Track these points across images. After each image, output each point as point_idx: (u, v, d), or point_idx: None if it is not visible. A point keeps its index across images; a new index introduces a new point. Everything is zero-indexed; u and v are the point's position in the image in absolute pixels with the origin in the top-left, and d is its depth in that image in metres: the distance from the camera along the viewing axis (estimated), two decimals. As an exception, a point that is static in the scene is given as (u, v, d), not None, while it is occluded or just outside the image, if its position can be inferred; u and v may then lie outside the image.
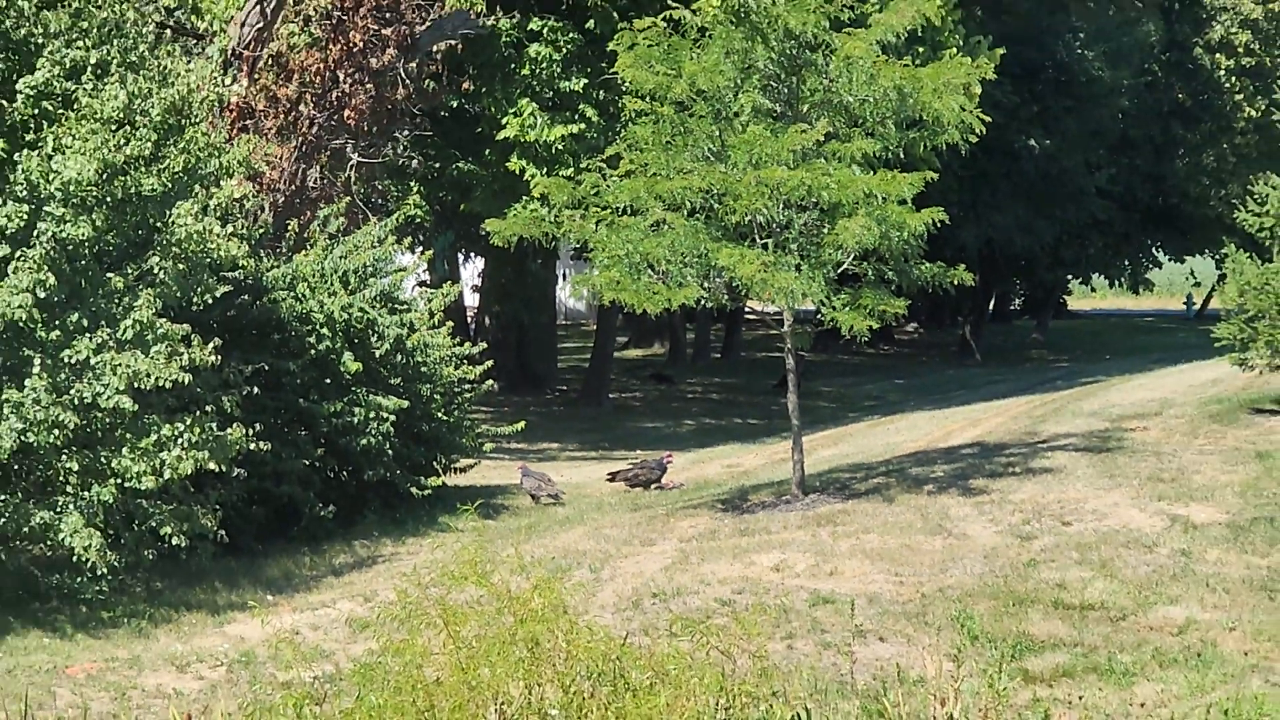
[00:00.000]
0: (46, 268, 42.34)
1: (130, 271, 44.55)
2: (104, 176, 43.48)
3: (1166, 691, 35.63)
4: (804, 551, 43.15)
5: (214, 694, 37.04)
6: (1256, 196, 54.32)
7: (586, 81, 58.09)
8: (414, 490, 52.32)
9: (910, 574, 41.54)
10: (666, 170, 46.27)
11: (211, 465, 44.33)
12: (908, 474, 49.58)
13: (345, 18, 55.94)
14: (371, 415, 50.22)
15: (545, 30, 59.91)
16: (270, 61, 55.53)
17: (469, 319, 68.68)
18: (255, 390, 47.12)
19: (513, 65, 60.10)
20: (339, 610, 41.68)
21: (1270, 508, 44.42)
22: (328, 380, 50.25)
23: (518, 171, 56.70)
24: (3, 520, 43.29)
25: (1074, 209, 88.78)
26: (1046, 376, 73.11)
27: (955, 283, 49.50)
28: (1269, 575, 40.69)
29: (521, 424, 58.12)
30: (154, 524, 43.75)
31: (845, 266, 45.84)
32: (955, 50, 49.24)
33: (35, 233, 42.98)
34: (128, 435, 43.49)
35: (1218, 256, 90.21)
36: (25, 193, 43.38)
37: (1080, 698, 35.25)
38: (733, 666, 30.76)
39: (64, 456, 43.24)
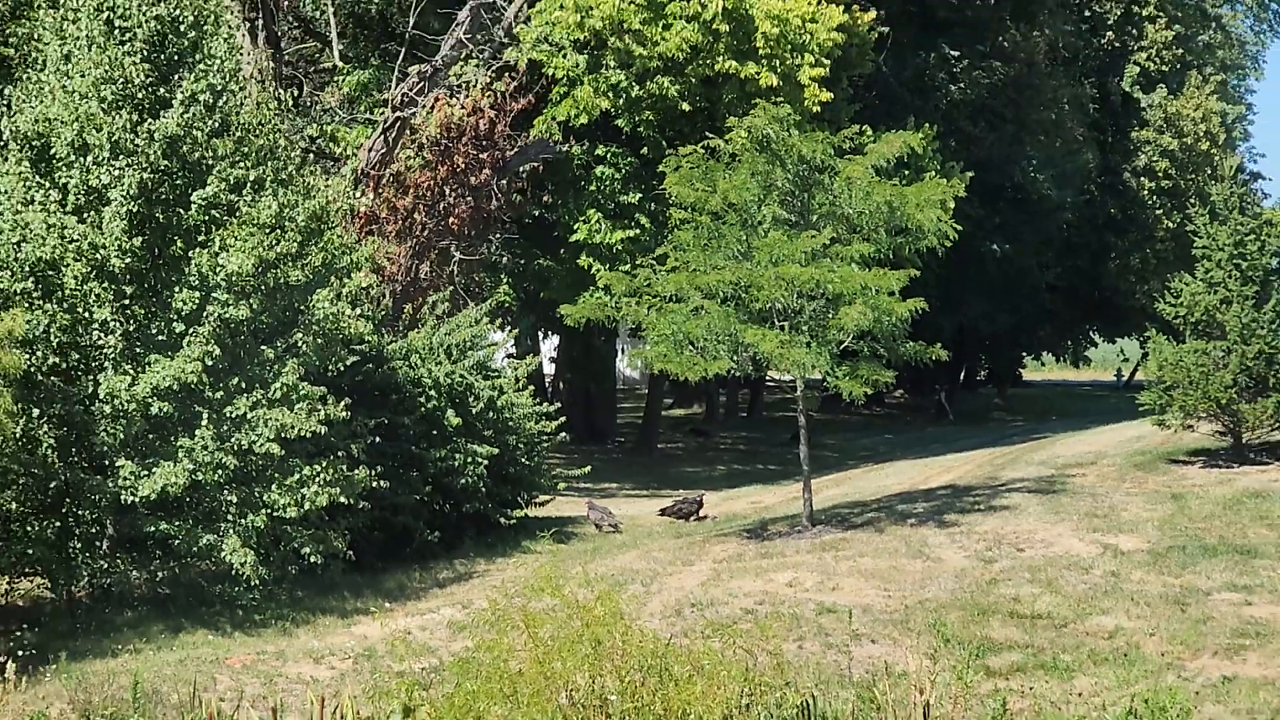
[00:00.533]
0: (213, 341, 42.88)
1: (279, 345, 44.93)
2: (259, 270, 43.88)
3: (1099, 684, 35.76)
4: (812, 571, 43.32)
5: (343, 681, 37.29)
6: (1172, 291, 54.37)
7: (641, 195, 58.13)
8: (502, 520, 52.45)
9: (896, 589, 41.75)
10: (704, 267, 46.43)
11: (342, 499, 44.81)
12: (895, 510, 49.67)
13: (451, 145, 56.05)
14: (469, 460, 50.47)
15: (608, 155, 59.86)
16: (391, 179, 55.73)
17: (546, 384, 68.49)
18: (377, 439, 47.42)
19: (582, 182, 60.06)
20: (442, 615, 41.95)
21: (1183, 538, 44.54)
22: (434, 432, 50.41)
23: (586, 267, 56.67)
24: (177, 541, 43.94)
25: (1028, 301, 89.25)
26: (1005, 433, 72.83)
27: (933, 358, 49.83)
28: (1181, 592, 40.77)
29: (587, 468, 58.22)
30: (296, 545, 44.35)
31: (846, 344, 45.99)
32: (934, 173, 49.34)
33: (205, 314, 43.41)
34: (276, 475, 43.94)
35: (1142, 338, 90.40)
36: (197, 282, 43.77)
37: (1030, 688, 35.51)
38: (754, 662, 31.07)
39: (225, 491, 43.66)
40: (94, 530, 45.17)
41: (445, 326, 51.88)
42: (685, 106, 57.31)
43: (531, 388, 56.96)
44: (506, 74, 59.58)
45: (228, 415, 43.85)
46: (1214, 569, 42.60)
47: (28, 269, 43.73)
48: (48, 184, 45.03)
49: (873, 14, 59.87)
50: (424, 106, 58.02)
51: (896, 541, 45.73)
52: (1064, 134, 78.75)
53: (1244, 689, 35.36)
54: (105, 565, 45.45)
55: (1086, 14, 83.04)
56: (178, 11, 46.73)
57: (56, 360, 43.52)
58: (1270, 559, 42.92)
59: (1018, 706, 34.01)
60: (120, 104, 45.03)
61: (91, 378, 43.77)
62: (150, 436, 43.74)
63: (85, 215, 44.34)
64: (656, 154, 56.09)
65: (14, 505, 42.35)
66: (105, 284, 44.07)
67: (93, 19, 46.53)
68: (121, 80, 45.31)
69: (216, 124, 45.93)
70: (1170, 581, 41.71)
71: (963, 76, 71.38)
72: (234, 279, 43.84)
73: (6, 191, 45.01)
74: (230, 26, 54.56)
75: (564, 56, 58.40)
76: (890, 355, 47.12)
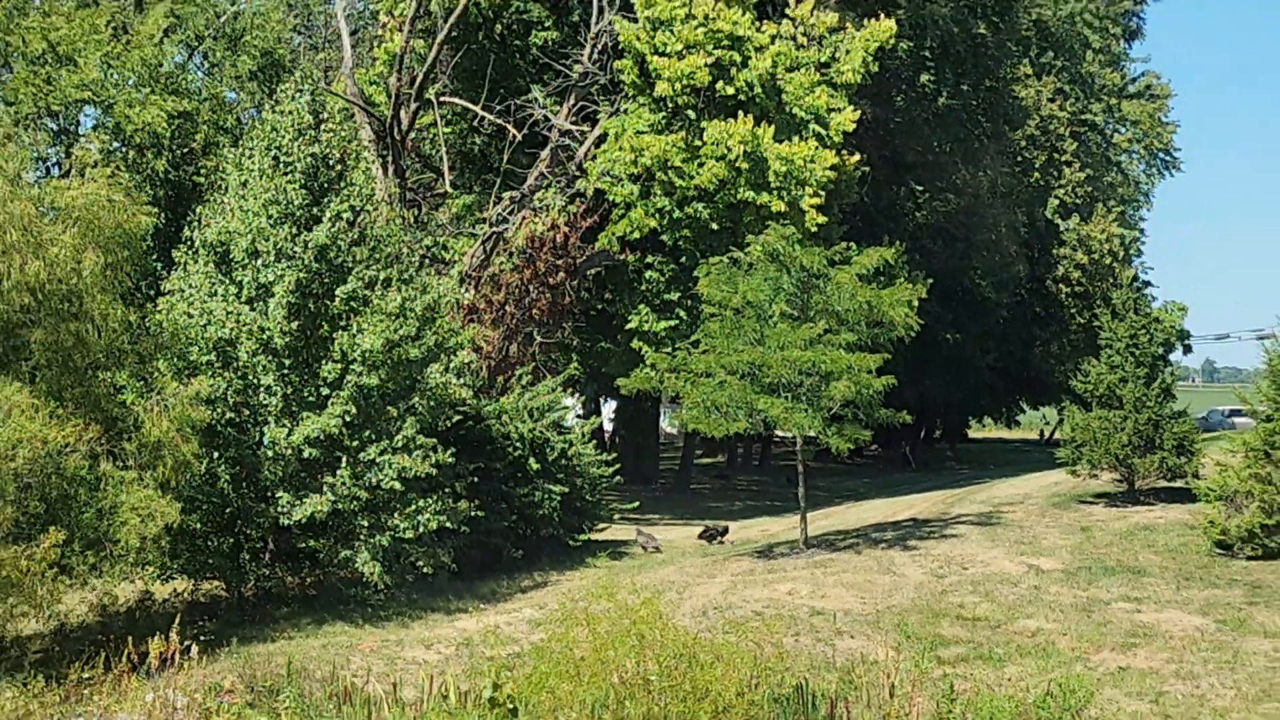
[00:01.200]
0: (351, 403, 43.21)
1: (401, 405, 45.05)
2: (386, 348, 44.12)
3: (1024, 671, 35.72)
4: (805, 583, 43.37)
5: (447, 663, 37.45)
6: (1082, 372, 54.66)
7: (680, 294, 58.12)
8: (570, 542, 52.27)
9: (869, 597, 41.82)
10: (727, 350, 46.49)
11: (447, 524, 44.95)
12: (869, 537, 49.77)
13: (534, 253, 56.12)
14: (545, 496, 50.52)
15: (655, 263, 59.80)
16: (487, 280, 55.90)
17: (605, 438, 68.41)
18: (475, 479, 47.47)
19: (635, 283, 59.99)
20: (523, 614, 42.20)
21: (1089, 561, 44.63)
22: (519, 474, 50.34)
23: (637, 349, 56.69)
24: (321, 554, 44.63)
25: (972, 377, 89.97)
26: (954, 479, 72.88)
27: (900, 421, 49.89)
28: (1087, 601, 40.74)
29: (636, 503, 58.18)
30: (412, 559, 44.48)
31: (834, 410, 45.99)
32: (902, 279, 49.28)
33: (345, 381, 43.70)
34: (398, 505, 44.11)
35: (1059, 407, 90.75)
36: (339, 357, 44.02)
37: (971, 674, 35.50)
38: (760, 652, 30.92)
39: (359, 517, 43.84)
40: (258, 545, 45.89)
41: (528, 394, 52.00)
42: (714, 226, 57.34)
43: (594, 441, 56.84)
44: (578, 199, 59.71)
45: (361, 459, 44.15)
46: (1112, 584, 42.60)
47: (211, 345, 44.26)
48: (227, 281, 45.65)
49: (857, 157, 59.82)
50: (514, 224, 58.20)
51: (870, 561, 45.86)
52: (1001, 250, 78.84)
53: (1134, 677, 35.38)
54: (266, 572, 46.12)
55: (1019, 159, 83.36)
56: (327, 150, 47.23)
57: (232, 415, 43.95)
58: (1155, 577, 42.94)
59: (961, 688, 33.96)
60: (282, 220, 45.46)
61: (258, 429, 44.18)
62: (302, 474, 44.00)
63: (255, 305, 44.74)
64: (692, 262, 56.10)
65: (199, 525, 42.63)
66: (269, 357, 44.50)
67: (263, 155, 47.03)
68: (284, 202, 45.73)
69: (355, 236, 46.41)
70: (1079, 594, 41.78)
71: (925, 206, 71.85)
72: (367, 355, 44.19)
73: (196, 287, 45.75)
74: (367, 161, 54.88)
75: (622, 186, 58.37)
76: (868, 418, 47.22)
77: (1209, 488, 47.77)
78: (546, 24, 65.40)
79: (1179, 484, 51.26)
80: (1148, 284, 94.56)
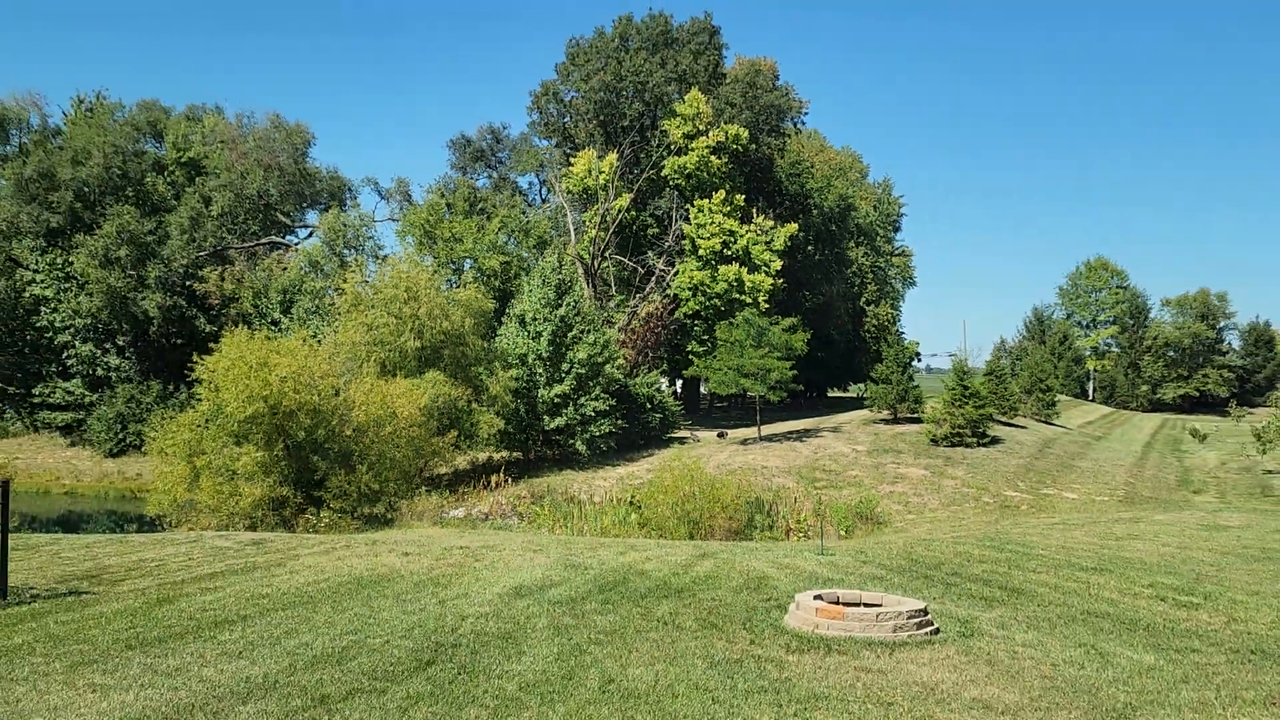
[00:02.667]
0: (573, 380, 42.78)
1: (593, 381, 44.67)
2: (588, 358, 43.74)
3: (849, 494, 34.85)
4: (759, 455, 42.52)
5: (612, 487, 36.88)
6: (875, 369, 54.20)
7: (708, 337, 57.23)
8: (662, 437, 50.41)
9: (786, 461, 40.88)
10: (728, 360, 45.93)
11: (612, 430, 44.48)
12: (786, 436, 48.63)
13: (649, 319, 55.82)
14: (651, 418, 49.66)
15: (696, 324, 59.14)
16: (629, 330, 55.28)
17: (676, 395, 66.75)
18: (620, 412, 46.55)
19: (690, 332, 59.48)
20: (643, 467, 41.28)
21: (878, 446, 43.61)
22: (643, 408, 49.48)
23: (691, 359, 55.99)
24: (561, 441, 43.88)
25: (828, 370, 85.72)
26: (820, 413, 71.94)
27: (797, 389, 49.30)
28: (876, 463, 40.08)
29: (690, 422, 57.36)
30: (598, 444, 43.98)
31: (771, 384, 45.29)
32: (800, 330, 48.38)
33: (570, 371, 43.29)
34: (592, 421, 43.66)
35: (865, 383, 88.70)
36: (569, 361, 43.68)
37: (828, 494, 34.60)
38: (739, 483, 30.52)
39: (576, 426, 43.41)
40: (536, 436, 44.90)
41: (646, 376, 51.19)
42: (722, 309, 56.52)
43: (672, 395, 56.69)
44: (666, 298, 59.14)
45: (578, 403, 43.95)
46: (886, 456, 41.71)
47: (516, 356, 44.18)
48: (523, 329, 45.44)
49: (781, 280, 59.16)
50: (640, 308, 57.62)
51: (786, 446, 44.88)
52: (840, 318, 77.12)
53: (895, 496, 34.73)
54: (539, 448, 45.46)
55: (849, 281, 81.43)
56: (563, 277, 47.02)
57: (525, 384, 43.66)
58: (906, 453, 42.08)
59: (824, 499, 33.53)
60: (546, 306, 45.35)
61: (535, 389, 43.91)
62: (553, 408, 43.71)
63: (534, 339, 44.61)
64: (714, 323, 55.51)
65: (510, 428, 42.42)
66: (539, 361, 44.36)
67: (537, 280, 46.92)
68: (544, 299, 45.64)
69: (574, 312, 46.00)
70: (873, 460, 40.74)
71: (809, 299, 70.25)
72: (577, 361, 44.03)
73: (510, 332, 45.65)
74: (580, 282, 54.80)
75: (685, 291, 57.98)
76: (785, 387, 46.45)
77: (930, 416, 47.30)
78: (653, 225, 65.21)
79: (916, 415, 50.52)
80: (901, 333, 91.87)
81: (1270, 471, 42.47)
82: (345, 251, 61.85)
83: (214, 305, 60.94)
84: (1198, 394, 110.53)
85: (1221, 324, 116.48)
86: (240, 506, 27.20)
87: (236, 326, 37.92)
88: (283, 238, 70.71)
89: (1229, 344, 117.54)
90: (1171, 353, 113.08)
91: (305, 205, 73.41)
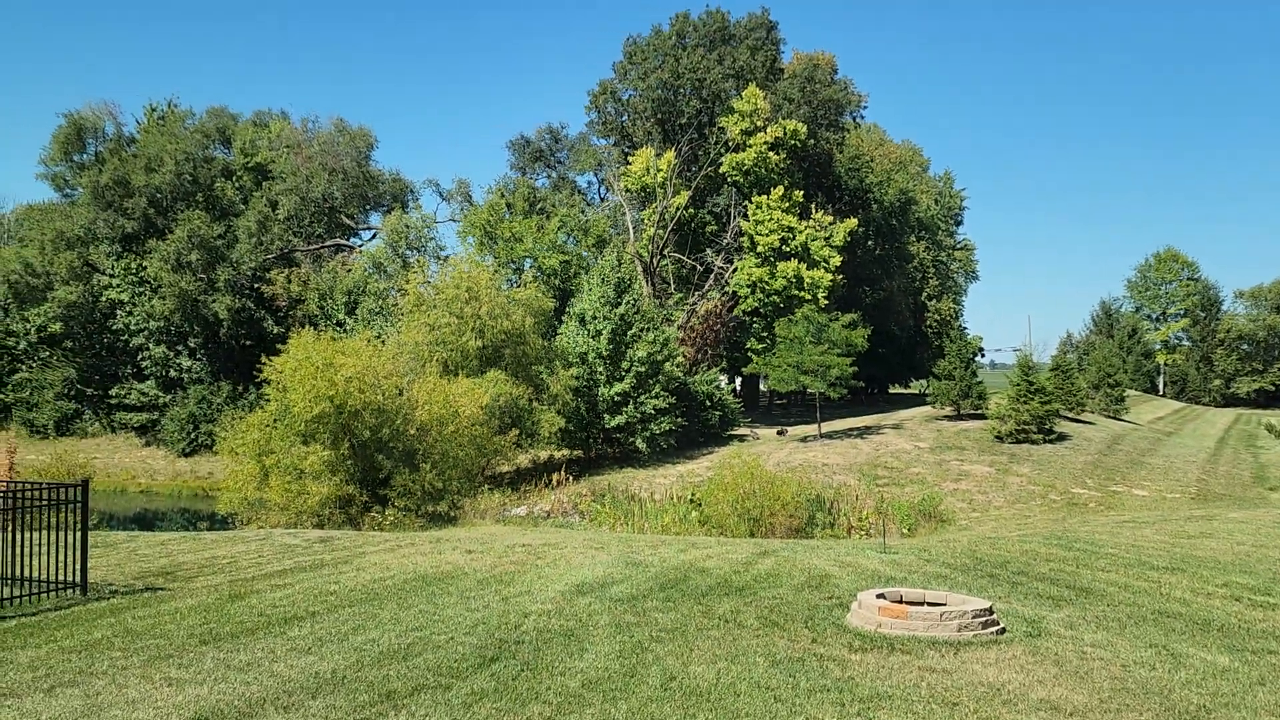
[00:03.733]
0: (633, 378, 42.86)
1: (653, 379, 44.69)
2: (648, 356, 43.79)
3: (912, 491, 34.50)
4: (819, 452, 42.34)
5: (672, 484, 36.90)
6: (938, 365, 53.52)
7: (767, 334, 56.76)
8: (722, 435, 50.31)
9: (846, 459, 40.65)
10: (787, 356, 45.80)
11: (671, 428, 44.44)
12: (846, 433, 48.32)
13: (709, 317, 55.68)
14: (710, 415, 49.58)
15: (755, 320, 58.81)
16: (689, 328, 55.12)
17: (736, 392, 66.37)
18: (680, 409, 46.42)
19: (749, 328, 59.18)
20: (704, 464, 41.25)
21: (941, 443, 43.14)
22: (703, 406, 49.46)
23: (751, 356, 55.65)
24: (622, 439, 43.83)
25: (889, 366, 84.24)
26: (881, 409, 71.00)
27: (858, 385, 49.07)
28: (939, 460, 39.60)
29: (750, 419, 57.09)
30: (659, 442, 43.86)
31: (831, 380, 45.05)
32: (860, 326, 48.08)
33: (630, 370, 43.39)
34: (652, 419, 43.73)
35: (928, 379, 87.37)
36: (628, 359, 43.79)
37: (890, 492, 34.32)
38: (799, 481, 30.36)
39: (637, 424, 43.46)
40: (596, 435, 45.09)
41: (705, 374, 51.12)
42: (781, 305, 56.22)
43: (732, 392, 56.53)
44: (724, 295, 58.92)
45: (638, 401, 44.01)
46: (950, 453, 41.28)
47: (577, 354, 44.34)
48: (584, 329, 45.60)
49: (840, 276, 58.56)
50: (700, 306, 57.50)
51: (846, 443, 44.71)
52: (901, 313, 76.45)
53: (959, 493, 34.33)
54: (600, 447, 45.54)
55: (910, 276, 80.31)
56: (621, 275, 47.11)
57: (585, 383, 43.84)
58: (969, 450, 41.61)
59: (886, 497, 33.28)
60: (605, 305, 45.49)
61: (595, 388, 44.09)
62: (614, 406, 43.83)
63: (594, 338, 44.78)
64: (773, 320, 55.18)
65: (571, 427, 42.53)
66: (600, 359, 44.48)
67: (597, 278, 47.08)
68: (605, 298, 45.77)
69: (634, 310, 46.10)
70: (936, 457, 40.40)
71: (869, 295, 69.50)
72: (636, 359, 44.10)
73: (570, 331, 45.91)
74: (639, 280, 54.91)
75: (744, 288, 57.70)
76: (845, 384, 46.25)
77: (994, 413, 46.69)
78: (712, 223, 65.01)
79: (979, 411, 49.93)
80: (964, 328, 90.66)
81: (1350, 468, 41.39)
82: (408, 252, 62.47)
83: (281, 307, 61.89)
84: (1274, 388, 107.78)
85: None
86: (308, 505, 27.62)
87: (303, 328, 38.67)
88: (347, 240, 71.55)
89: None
90: (1246, 346, 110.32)
91: (369, 207, 74.28)
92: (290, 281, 61.80)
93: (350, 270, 62.15)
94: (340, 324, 55.55)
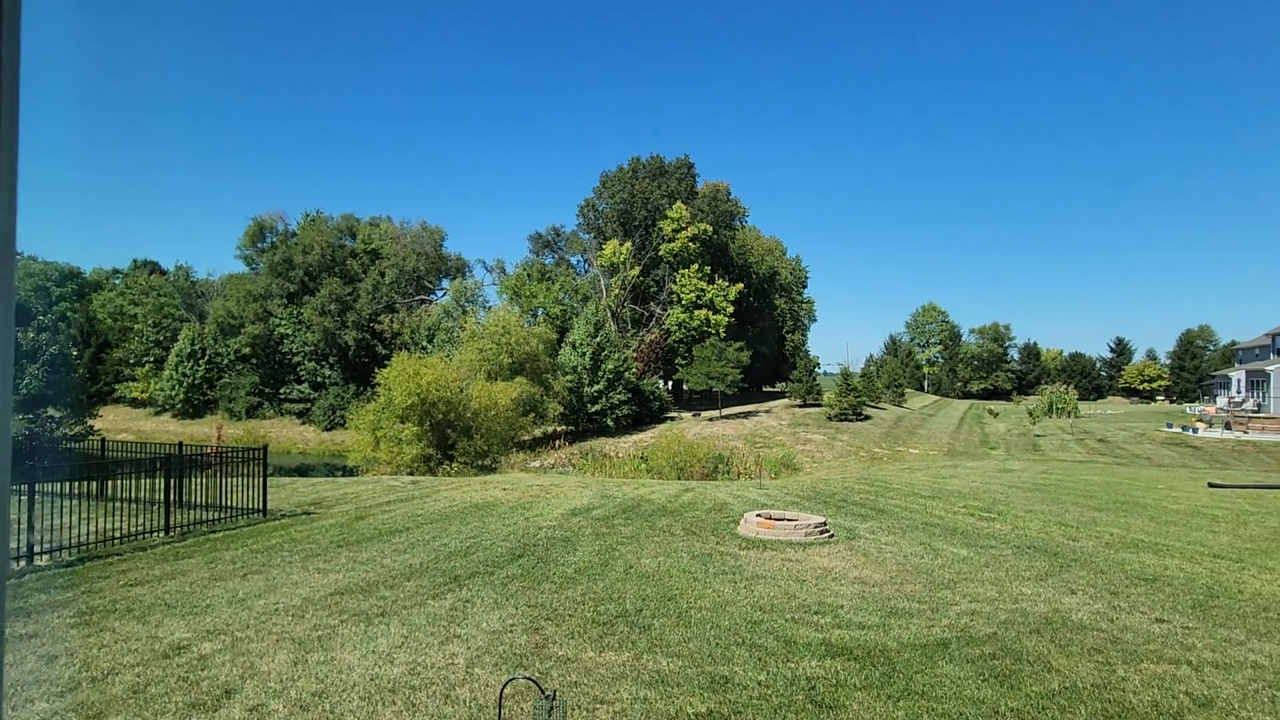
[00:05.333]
0: (605, 382, 41.69)
1: (617, 383, 43.81)
2: (614, 368, 42.92)
3: (776, 453, 34.27)
4: (720, 427, 41.52)
5: (632, 447, 36.22)
6: (794, 374, 52.76)
7: (689, 354, 56.29)
8: (660, 417, 49.37)
9: (738, 432, 39.94)
10: (701, 366, 45.33)
11: (629, 412, 43.60)
12: (736, 415, 47.88)
13: (653, 344, 55.10)
14: (654, 405, 49.03)
15: (682, 346, 58.25)
16: (638, 351, 54.44)
17: (669, 390, 65.31)
18: (634, 401, 45.75)
19: (676, 352, 58.49)
20: (650, 435, 40.35)
21: (796, 421, 42.74)
22: (648, 399, 48.73)
23: (680, 368, 54.88)
24: (599, 419, 42.15)
25: (763, 373, 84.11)
26: (758, 401, 70.82)
27: (743, 384, 48.16)
28: (794, 432, 39.30)
29: (677, 407, 56.18)
30: (622, 421, 42.76)
31: (727, 381, 44.65)
32: (746, 350, 47.67)
33: (603, 376, 42.55)
34: (618, 406, 42.72)
35: (788, 383, 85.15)
36: (602, 370, 42.66)
37: (766, 453, 33.75)
38: (708, 445, 29.95)
39: (610, 409, 42.23)
40: (582, 416, 43.80)
41: (649, 380, 50.52)
42: (697, 337, 55.70)
43: (667, 390, 56.03)
44: (662, 330, 58.39)
45: (609, 395, 43.52)
46: (798, 429, 40.98)
47: (570, 367, 43.52)
48: (575, 351, 44.80)
49: (732, 319, 58.18)
50: (646, 337, 57.02)
51: (735, 422, 44.28)
52: (770, 343, 75.70)
53: (806, 453, 34.16)
54: (583, 424, 44.26)
55: (776, 321, 79.43)
56: (598, 319, 46.56)
57: (575, 384, 43.13)
58: (813, 427, 41.31)
59: (761, 454, 33.10)
60: (588, 337, 44.83)
61: (582, 388, 43.42)
62: (594, 398, 43.03)
63: (581, 357, 44.14)
64: (692, 346, 54.62)
65: (566, 412, 41.82)
66: (584, 370, 43.85)
67: (584, 321, 46.44)
68: (587, 332, 45.06)
69: (605, 340, 45.39)
70: (791, 430, 40.01)
71: (750, 331, 69.06)
72: (607, 370, 43.58)
73: (565, 353, 44.89)
74: (609, 321, 54.48)
75: (674, 327, 57.20)
76: (736, 385, 45.87)
77: (827, 402, 46.61)
78: (654, 286, 64.61)
79: (818, 402, 50.05)
80: (808, 350, 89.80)
81: (1039, 436, 42.12)
82: (466, 304, 62.21)
83: (388, 338, 61.85)
84: (993, 388, 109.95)
85: (1007, 344, 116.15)
86: (403, 460, 27.24)
87: (401, 351, 38.03)
88: (428, 297, 71.13)
89: (1011, 357, 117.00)
90: (976, 362, 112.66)
91: (441, 276, 73.94)
92: (393, 323, 61.99)
93: (430, 315, 62.01)
94: (424, 348, 55.13)
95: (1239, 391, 58.85)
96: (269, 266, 64.03)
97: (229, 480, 12.50)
